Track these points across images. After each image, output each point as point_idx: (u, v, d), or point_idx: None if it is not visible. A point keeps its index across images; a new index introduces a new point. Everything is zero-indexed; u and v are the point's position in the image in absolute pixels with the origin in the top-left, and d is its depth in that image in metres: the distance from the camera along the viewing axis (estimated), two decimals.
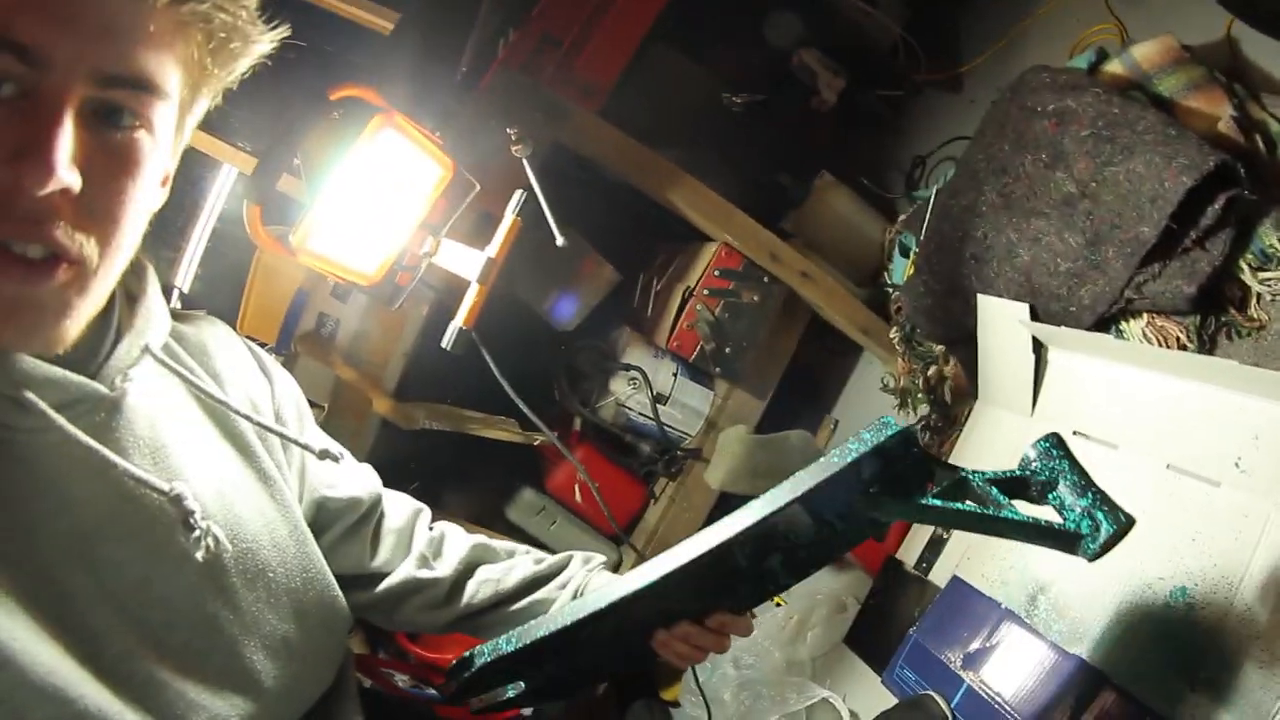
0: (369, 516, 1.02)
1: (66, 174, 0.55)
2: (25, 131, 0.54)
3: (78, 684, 0.62)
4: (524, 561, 1.10)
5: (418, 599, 1.03)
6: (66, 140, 0.55)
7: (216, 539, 0.72)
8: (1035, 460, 0.92)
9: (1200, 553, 1.13)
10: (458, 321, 1.31)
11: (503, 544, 1.14)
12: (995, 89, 1.50)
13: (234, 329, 0.93)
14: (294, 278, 1.59)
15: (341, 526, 0.98)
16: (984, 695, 1.30)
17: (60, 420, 0.62)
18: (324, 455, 0.86)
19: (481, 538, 1.13)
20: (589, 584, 1.08)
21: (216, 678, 0.75)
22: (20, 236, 0.55)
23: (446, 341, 1.32)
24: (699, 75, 2.00)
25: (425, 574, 1.03)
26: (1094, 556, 0.89)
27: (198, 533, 0.70)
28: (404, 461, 1.85)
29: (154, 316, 0.74)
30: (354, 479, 1.01)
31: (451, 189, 1.31)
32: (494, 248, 1.31)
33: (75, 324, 0.61)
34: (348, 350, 1.64)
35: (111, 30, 0.57)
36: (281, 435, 0.85)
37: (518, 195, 1.33)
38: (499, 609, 1.05)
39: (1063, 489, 0.91)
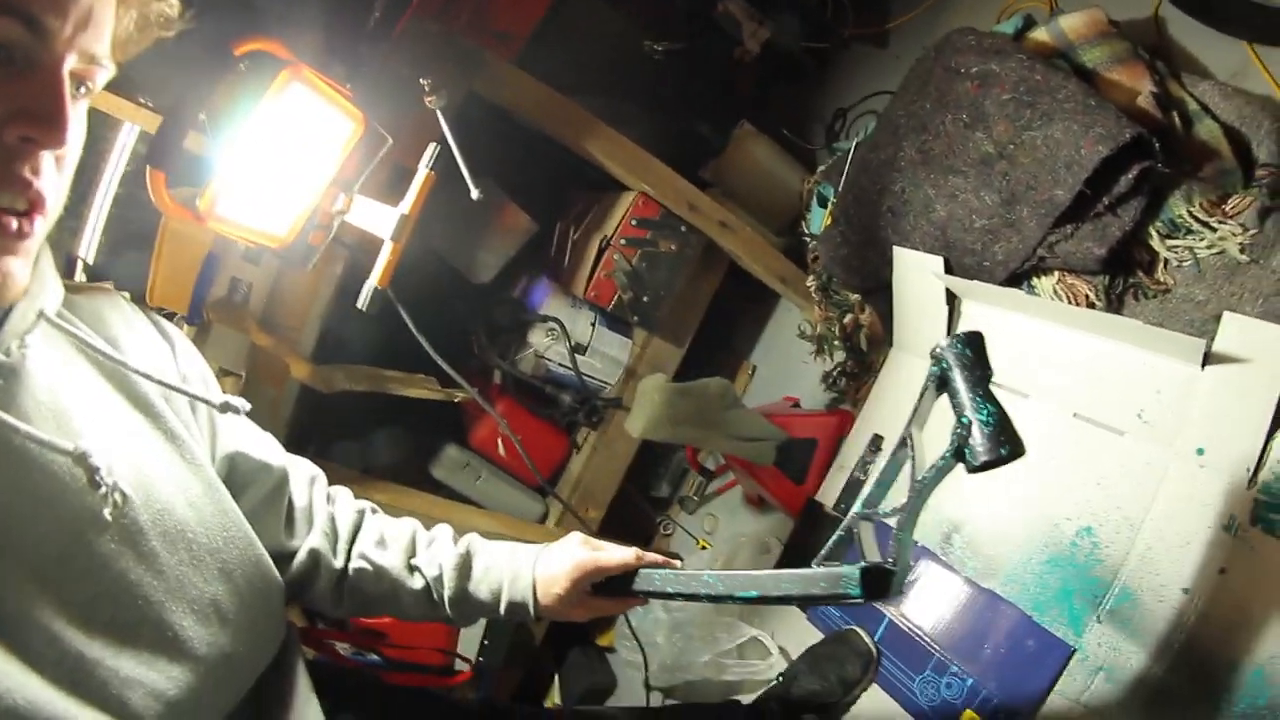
0: (281, 488, 0.99)
1: (71, 136, 0.62)
2: (32, 94, 0.59)
3: (4, 677, 0.60)
4: (393, 563, 1.07)
5: (322, 580, 1.01)
6: (69, 106, 0.61)
7: (124, 494, 0.69)
8: (944, 351, 0.94)
9: (1105, 496, 1.23)
10: (372, 281, 1.27)
11: (380, 524, 1.10)
12: (921, 47, 1.52)
13: (144, 299, 0.95)
14: (203, 242, 1.48)
15: (256, 493, 0.95)
16: (905, 628, 1.40)
17: None
18: (225, 408, 0.83)
19: (365, 506, 1.11)
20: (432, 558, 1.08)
21: (148, 649, 0.73)
22: (17, 192, 0.61)
23: (362, 302, 1.28)
24: (618, 22, 1.96)
25: (327, 551, 1.01)
26: (973, 469, 0.90)
27: (104, 489, 0.67)
28: (325, 426, 1.81)
29: (48, 281, 0.72)
30: (262, 445, 0.98)
31: (363, 144, 1.26)
32: (407, 204, 1.27)
33: (28, 277, 0.66)
34: (262, 315, 1.57)
35: (94, 12, 0.62)
36: (182, 391, 0.81)
37: (431, 148, 1.29)
38: (379, 601, 1.05)
39: (962, 392, 0.92)
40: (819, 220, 1.87)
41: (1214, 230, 1.16)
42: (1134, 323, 1.18)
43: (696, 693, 1.69)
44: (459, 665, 1.61)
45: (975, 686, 1.27)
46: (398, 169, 1.38)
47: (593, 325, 1.94)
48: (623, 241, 1.82)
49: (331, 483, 1.10)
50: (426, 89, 1.28)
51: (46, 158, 0.62)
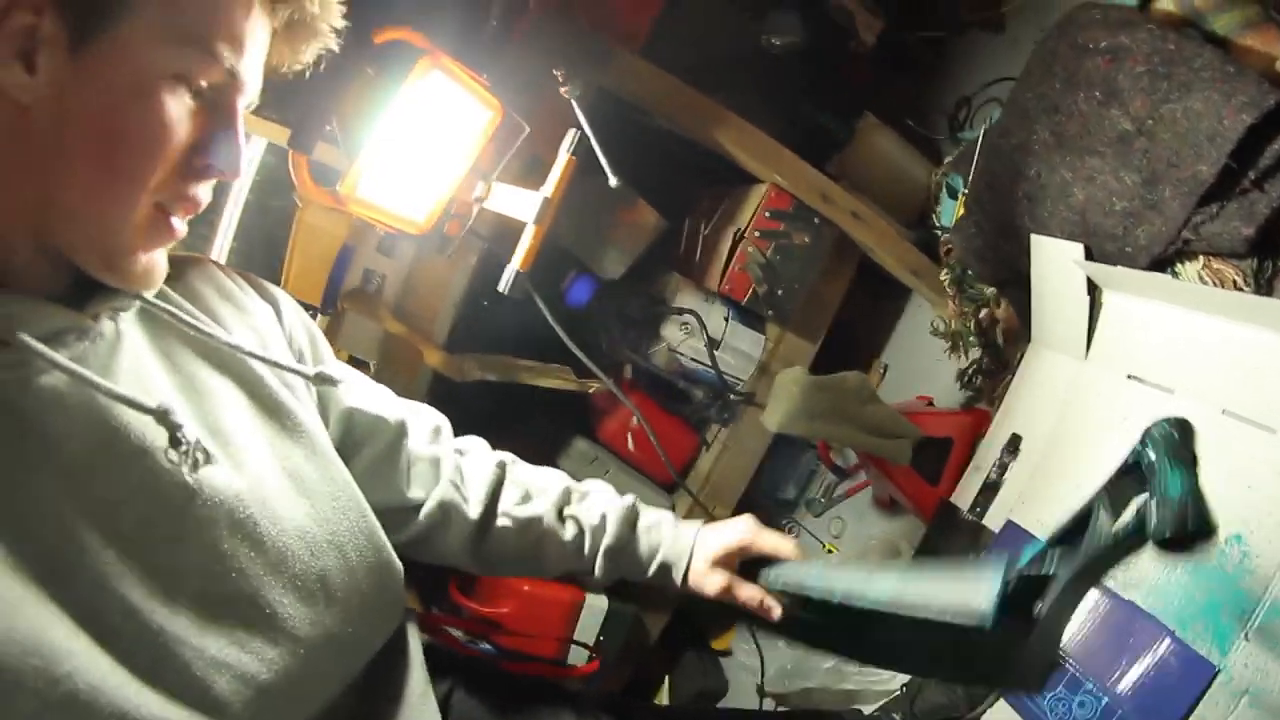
0: (399, 442, 0.98)
1: (245, 166, 0.71)
2: (218, 129, 0.67)
3: (69, 655, 0.56)
4: (544, 511, 1.07)
5: (453, 531, 1.00)
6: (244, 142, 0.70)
7: (207, 453, 0.68)
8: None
9: (1256, 500, 1.11)
10: (514, 265, 1.29)
11: (523, 475, 1.11)
12: (1038, 29, 1.45)
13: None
14: (337, 235, 1.57)
15: (373, 449, 0.94)
16: None
17: (41, 347, 0.59)
18: (319, 379, 0.82)
19: (504, 458, 1.11)
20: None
21: (242, 628, 0.69)
22: (187, 211, 0.69)
23: (504, 285, 1.29)
24: (734, 17, 1.96)
25: (459, 501, 1.00)
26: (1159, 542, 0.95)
27: (185, 446, 0.65)
28: (454, 415, 1.88)
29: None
30: (376, 398, 0.98)
31: (499, 133, 1.30)
32: (549, 187, 1.29)
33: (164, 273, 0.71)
34: (395, 305, 1.65)
35: (262, 69, 0.72)
36: (272, 363, 0.79)
37: (571, 134, 1.30)
38: (520, 555, 1.05)
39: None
40: (950, 212, 1.79)
41: None
42: None
43: (812, 701, 1.65)
44: (573, 656, 1.65)
45: (1110, 707, 1.18)
46: (531, 159, 1.42)
47: (725, 320, 1.93)
48: (757, 234, 1.81)
49: None
50: (561, 79, 1.30)
51: (214, 183, 0.70)
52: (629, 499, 1.11)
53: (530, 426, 1.98)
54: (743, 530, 1.08)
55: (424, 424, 1.04)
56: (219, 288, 0.83)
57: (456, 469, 1.03)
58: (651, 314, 1.93)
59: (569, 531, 1.06)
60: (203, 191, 0.69)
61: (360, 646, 0.84)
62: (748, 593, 1.08)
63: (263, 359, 0.78)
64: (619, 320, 1.94)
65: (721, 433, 1.99)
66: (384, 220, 1.23)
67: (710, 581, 1.07)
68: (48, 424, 0.61)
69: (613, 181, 1.33)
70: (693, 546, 1.08)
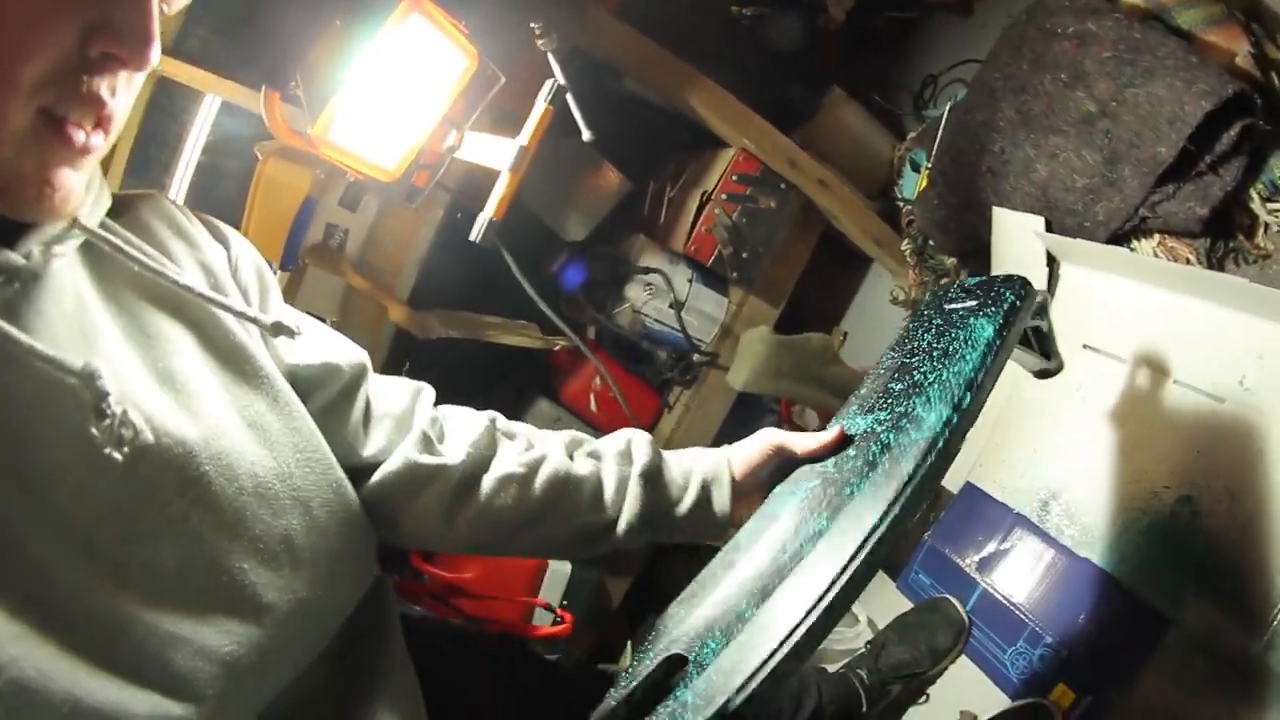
0: (352, 391, 0.83)
1: (156, 55, 0.55)
2: (120, 9, 0.53)
3: (10, 640, 0.50)
4: (552, 451, 0.91)
5: (424, 496, 0.83)
6: (156, 26, 0.55)
7: (136, 430, 0.57)
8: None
9: (1205, 465, 1.19)
10: (488, 213, 1.26)
11: (520, 426, 0.96)
12: (1005, 14, 1.49)
13: None
14: (298, 189, 1.53)
15: (320, 400, 0.80)
16: (998, 597, 1.37)
17: None
18: (277, 330, 0.70)
19: (494, 414, 0.94)
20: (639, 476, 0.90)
21: (199, 600, 0.61)
22: (87, 115, 0.54)
23: (476, 234, 1.26)
24: None
25: (429, 459, 0.84)
26: None
27: (109, 420, 0.55)
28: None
29: (93, 192, 0.63)
30: (330, 344, 0.83)
31: (472, 83, 1.26)
32: (526, 135, 1.26)
33: (83, 193, 0.59)
34: (358, 259, 1.62)
35: None
36: (225, 307, 0.69)
37: (549, 84, 1.27)
38: (520, 513, 0.86)
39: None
40: (912, 185, 1.84)
41: None
42: (1239, 281, 1.13)
43: None
44: (535, 617, 1.65)
45: (1069, 660, 1.25)
46: (503, 112, 1.39)
47: (689, 282, 1.95)
48: (724, 197, 1.83)
49: None
50: (538, 32, 1.27)
51: (121, 77, 0.55)
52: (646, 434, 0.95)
53: (493, 388, 1.98)
54: (771, 435, 0.94)
55: (400, 384, 0.91)
56: (171, 222, 0.73)
57: (434, 427, 0.89)
58: (616, 275, 1.94)
59: (585, 466, 0.90)
60: (104, 86, 0.54)
61: (332, 612, 0.75)
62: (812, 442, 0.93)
63: (218, 302, 0.68)
64: (582, 281, 1.94)
65: (684, 394, 2.02)
66: (355, 165, 1.19)
67: (757, 499, 0.92)
68: None
69: (586, 136, 1.31)
70: (728, 458, 0.93)
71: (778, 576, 0.69)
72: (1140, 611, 1.20)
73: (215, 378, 0.67)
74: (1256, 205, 1.18)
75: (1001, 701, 1.29)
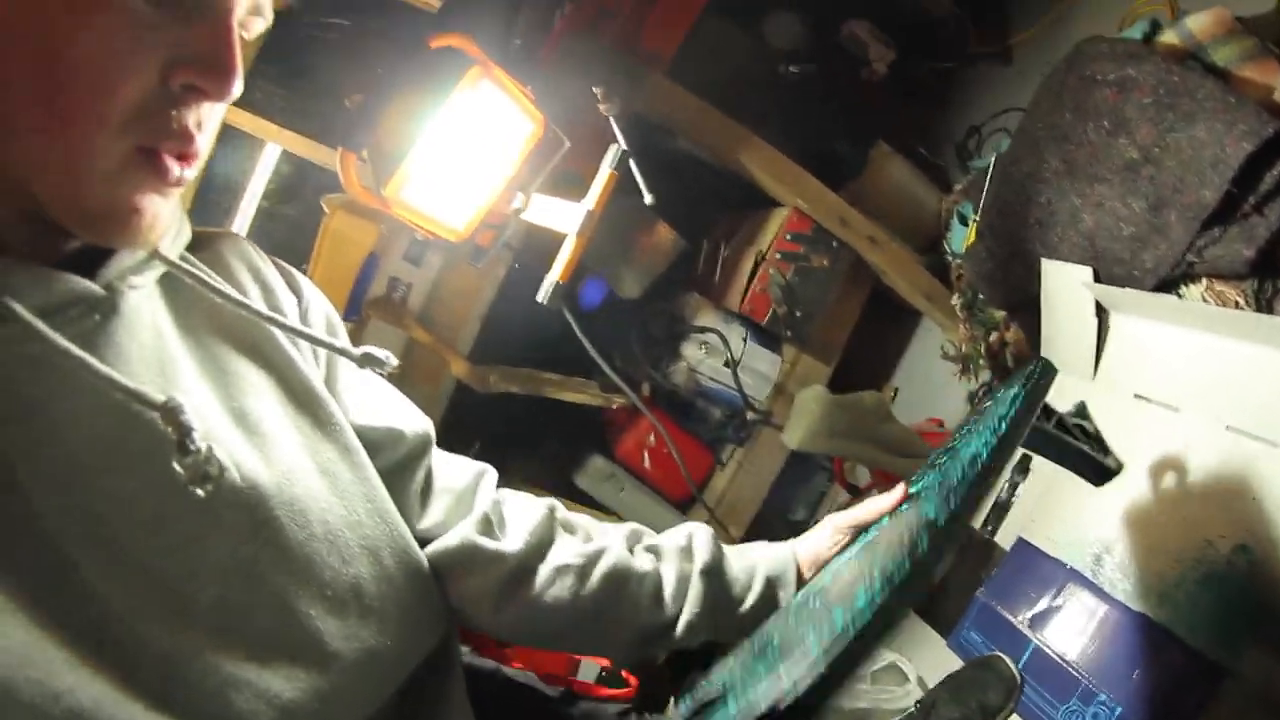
0: (416, 460, 0.82)
1: (239, 85, 0.55)
2: (201, 41, 0.53)
3: (67, 669, 0.49)
4: (612, 545, 0.88)
5: (476, 579, 0.81)
6: (239, 55, 0.55)
7: (220, 465, 0.56)
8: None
9: (1261, 512, 1.15)
10: (554, 275, 1.28)
11: (580, 517, 0.94)
12: (1045, 61, 1.50)
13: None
14: (363, 244, 1.58)
15: (380, 464, 0.78)
16: (1051, 654, 1.33)
17: (41, 326, 0.51)
18: (365, 361, 0.68)
19: (553, 502, 0.93)
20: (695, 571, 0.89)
21: (263, 643, 0.60)
22: (176, 148, 0.55)
23: (543, 295, 1.28)
24: (752, 46, 2.03)
25: (488, 543, 0.82)
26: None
27: (192, 457, 0.53)
28: (475, 427, 1.86)
29: (170, 222, 0.63)
30: (397, 410, 0.83)
31: (537, 146, 1.30)
32: (592, 199, 1.29)
33: (171, 224, 0.60)
34: (421, 313, 1.67)
35: None
36: (314, 339, 0.69)
37: (613, 149, 1.30)
38: (576, 608, 0.83)
39: None
40: (960, 238, 1.84)
41: None
42: None
43: None
44: (579, 674, 1.63)
45: (1124, 715, 1.20)
46: (566, 175, 1.44)
47: (744, 340, 1.97)
48: (778, 256, 1.87)
49: None
50: (600, 96, 1.31)
51: (205, 108, 0.56)
52: (708, 528, 0.94)
53: (548, 443, 2.01)
54: (835, 520, 0.92)
55: (464, 463, 0.90)
56: (248, 263, 0.73)
57: (494, 510, 0.86)
58: (672, 333, 1.97)
59: (645, 562, 0.87)
60: (191, 119, 0.55)
61: (400, 663, 0.74)
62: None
63: (299, 331, 0.68)
64: (639, 338, 1.98)
65: (737, 452, 2.03)
66: (425, 225, 1.24)
67: None
68: (48, 409, 0.53)
69: (648, 199, 1.34)
70: (794, 554, 0.91)
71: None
72: (1196, 664, 1.15)
73: (289, 421, 0.68)
74: None
75: None
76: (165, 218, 0.57)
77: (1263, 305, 1.20)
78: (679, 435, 1.98)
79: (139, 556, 0.55)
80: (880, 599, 0.64)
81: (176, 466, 0.53)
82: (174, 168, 0.55)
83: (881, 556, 0.70)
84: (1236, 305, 1.22)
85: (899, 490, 0.90)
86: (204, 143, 0.57)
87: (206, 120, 0.57)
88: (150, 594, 0.55)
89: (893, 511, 0.87)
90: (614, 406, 1.89)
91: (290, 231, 1.63)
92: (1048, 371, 1.00)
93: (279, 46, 1.48)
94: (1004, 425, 0.83)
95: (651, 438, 1.95)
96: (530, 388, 1.79)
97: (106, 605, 0.53)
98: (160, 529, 0.56)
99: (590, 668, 1.67)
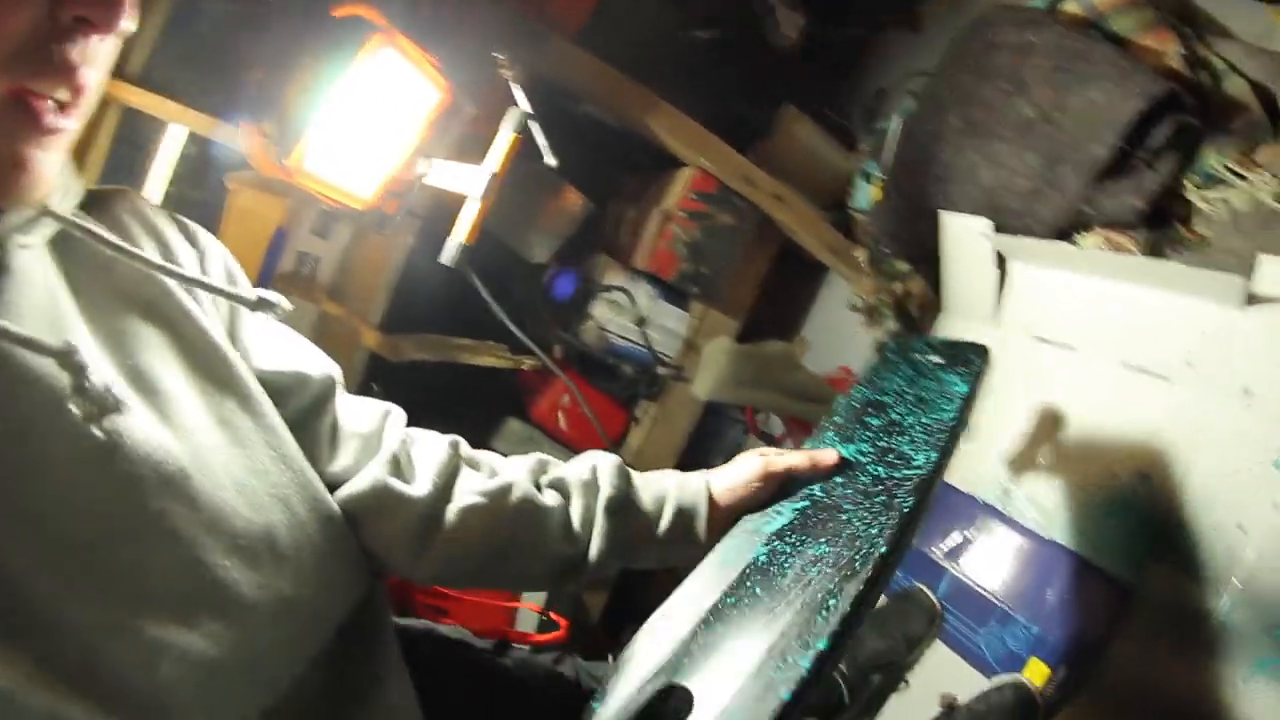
0: (323, 403, 0.80)
1: (129, 19, 0.52)
2: None
3: None
4: (517, 480, 0.85)
5: (391, 522, 0.78)
6: None
7: (117, 400, 0.54)
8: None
9: (1159, 442, 1.26)
10: (458, 237, 1.28)
11: (482, 453, 0.92)
12: (953, 27, 1.57)
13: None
14: (270, 220, 1.56)
15: (289, 409, 0.75)
16: (967, 583, 1.43)
17: None
18: (259, 304, 0.66)
19: (456, 438, 0.90)
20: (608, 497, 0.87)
21: (181, 603, 0.58)
22: (57, 84, 0.52)
23: (446, 257, 1.27)
24: (662, 10, 2.03)
25: (398, 485, 0.79)
26: None
27: (91, 391, 0.52)
28: (391, 397, 1.83)
29: (62, 180, 0.61)
30: (301, 354, 0.80)
31: (442, 113, 1.30)
32: (495, 161, 1.28)
33: (54, 175, 0.56)
34: (331, 286, 1.65)
35: None
36: (208, 286, 0.66)
37: (513, 111, 1.29)
38: (489, 546, 0.82)
39: None
40: (865, 195, 1.92)
41: (1246, 180, 1.20)
42: (1175, 265, 1.22)
43: None
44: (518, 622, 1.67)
45: (1040, 635, 1.29)
46: (467, 137, 1.42)
47: (651, 299, 1.99)
48: (682, 214, 1.89)
49: None
50: (503, 62, 1.30)
51: (92, 44, 0.53)
52: (609, 457, 0.92)
53: (464, 410, 1.99)
54: (756, 463, 0.89)
55: (369, 404, 0.87)
56: (142, 218, 0.70)
57: (402, 450, 0.84)
58: (580, 293, 1.98)
59: (551, 498, 0.86)
60: (76, 54, 0.52)
61: (322, 613, 0.71)
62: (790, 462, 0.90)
63: (193, 280, 0.66)
64: (547, 300, 1.98)
65: (650, 408, 2.06)
66: (330, 194, 1.22)
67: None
68: None
69: (551, 161, 1.34)
70: (707, 486, 0.89)
71: (796, 604, 0.68)
72: (1105, 583, 1.26)
73: (187, 376, 0.65)
74: (1191, 194, 1.26)
75: (979, 682, 1.33)
76: (49, 172, 0.54)
77: (1153, 253, 1.31)
78: (592, 394, 2.00)
79: (43, 529, 0.52)
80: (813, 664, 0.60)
81: (73, 408, 0.51)
82: (47, 114, 0.52)
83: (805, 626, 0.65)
84: (1129, 252, 1.32)
85: (832, 454, 0.90)
86: (89, 80, 0.54)
87: (92, 58, 0.53)
88: (65, 565, 0.52)
89: (828, 476, 0.88)
90: (525, 368, 1.89)
91: (200, 216, 1.55)
92: (987, 363, 1.09)
93: (182, 24, 1.40)
94: (961, 422, 0.92)
95: (566, 398, 1.96)
96: (442, 354, 1.77)
97: (19, 584, 0.50)
98: (67, 492, 0.53)
99: (530, 617, 1.70)
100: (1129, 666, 1.20)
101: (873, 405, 1.01)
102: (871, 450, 0.90)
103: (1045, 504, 1.38)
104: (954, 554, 1.46)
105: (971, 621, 1.40)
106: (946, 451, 0.85)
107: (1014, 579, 1.38)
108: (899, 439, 0.90)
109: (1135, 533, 1.25)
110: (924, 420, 0.92)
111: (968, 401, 0.97)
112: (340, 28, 1.13)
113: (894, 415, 0.96)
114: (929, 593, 1.47)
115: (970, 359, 1.08)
